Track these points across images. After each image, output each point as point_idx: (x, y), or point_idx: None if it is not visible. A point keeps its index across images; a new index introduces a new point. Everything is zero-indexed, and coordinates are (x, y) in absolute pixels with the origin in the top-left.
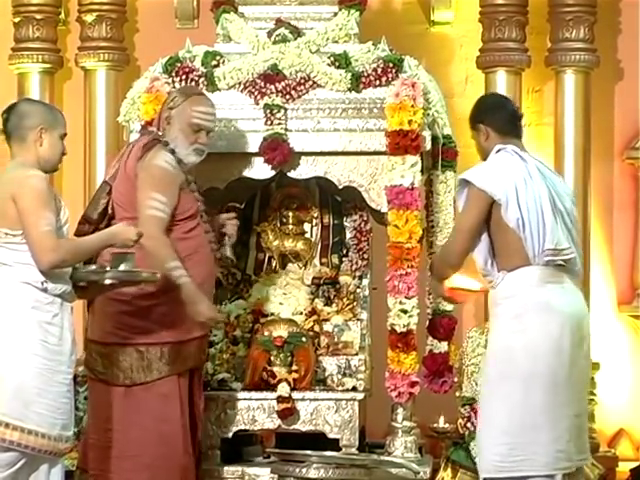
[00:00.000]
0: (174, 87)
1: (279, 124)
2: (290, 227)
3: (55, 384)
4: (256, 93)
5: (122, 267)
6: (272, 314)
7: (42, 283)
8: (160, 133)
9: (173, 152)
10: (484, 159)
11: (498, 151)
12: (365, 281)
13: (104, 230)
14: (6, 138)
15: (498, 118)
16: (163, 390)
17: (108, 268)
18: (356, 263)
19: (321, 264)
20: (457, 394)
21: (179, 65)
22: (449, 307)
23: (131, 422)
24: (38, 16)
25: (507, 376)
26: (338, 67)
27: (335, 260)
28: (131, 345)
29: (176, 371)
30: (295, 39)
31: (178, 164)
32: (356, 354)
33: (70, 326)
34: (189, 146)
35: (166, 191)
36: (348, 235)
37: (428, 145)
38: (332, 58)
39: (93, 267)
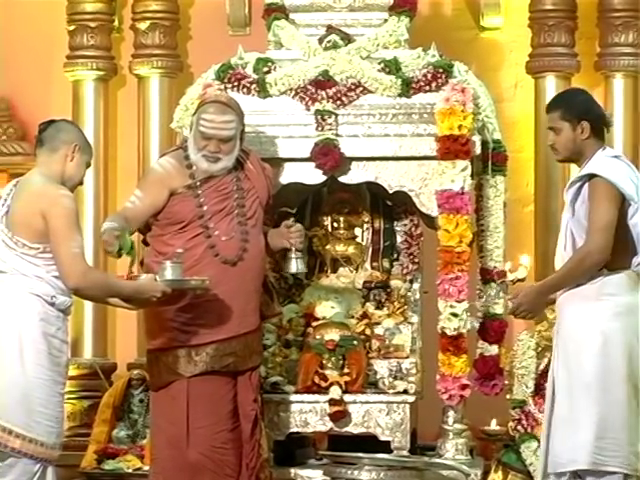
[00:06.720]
0: (226, 93)
1: (330, 130)
2: (341, 231)
3: (56, 394)
4: (307, 99)
5: (169, 276)
6: (324, 318)
7: (51, 297)
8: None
9: (188, 157)
10: (569, 155)
11: (613, 156)
12: (416, 285)
13: (136, 282)
14: (37, 146)
15: (599, 118)
16: (172, 393)
17: (157, 278)
18: (407, 267)
19: (372, 268)
20: (508, 397)
21: (231, 72)
22: (499, 310)
23: (154, 426)
24: (92, 24)
25: (606, 370)
26: (388, 73)
27: (386, 264)
28: (151, 351)
29: (184, 375)
30: (346, 45)
31: (189, 169)
32: (407, 357)
33: (67, 338)
34: (197, 152)
35: (143, 187)
36: (399, 239)
37: (478, 150)
38: (382, 64)
39: (143, 276)
